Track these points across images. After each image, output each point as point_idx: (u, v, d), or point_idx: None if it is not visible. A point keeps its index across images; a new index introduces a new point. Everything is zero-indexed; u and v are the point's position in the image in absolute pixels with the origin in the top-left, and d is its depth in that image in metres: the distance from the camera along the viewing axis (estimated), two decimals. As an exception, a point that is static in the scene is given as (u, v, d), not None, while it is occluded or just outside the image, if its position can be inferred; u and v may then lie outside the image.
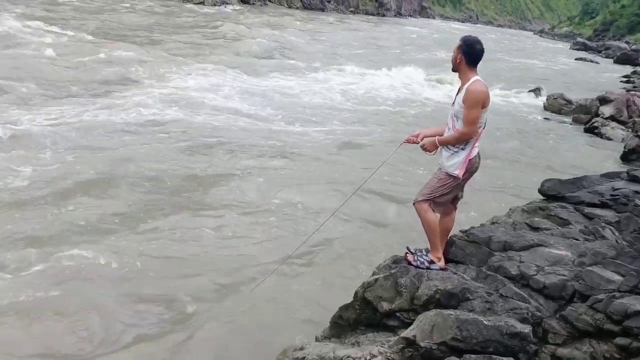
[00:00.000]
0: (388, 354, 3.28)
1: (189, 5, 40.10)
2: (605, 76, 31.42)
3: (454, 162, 3.79)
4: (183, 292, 4.91)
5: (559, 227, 4.53)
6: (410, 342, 3.24)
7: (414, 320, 3.59)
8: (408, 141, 4.07)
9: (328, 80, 18.03)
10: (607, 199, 4.76)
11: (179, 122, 10.38)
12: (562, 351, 3.37)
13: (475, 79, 3.71)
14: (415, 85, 19.74)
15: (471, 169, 3.80)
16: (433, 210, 3.88)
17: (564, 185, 5.21)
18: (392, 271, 3.82)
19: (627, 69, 36.18)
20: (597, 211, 4.67)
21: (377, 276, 3.85)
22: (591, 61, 43.91)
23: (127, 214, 6.23)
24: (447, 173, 3.80)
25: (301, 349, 3.77)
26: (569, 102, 18.79)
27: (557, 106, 18.55)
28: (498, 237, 4.10)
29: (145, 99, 11.61)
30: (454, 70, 3.85)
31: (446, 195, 3.85)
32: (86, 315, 4.44)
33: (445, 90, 18.84)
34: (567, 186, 5.20)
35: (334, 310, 4.18)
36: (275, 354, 4.13)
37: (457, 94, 3.82)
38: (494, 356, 2.90)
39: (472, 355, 2.92)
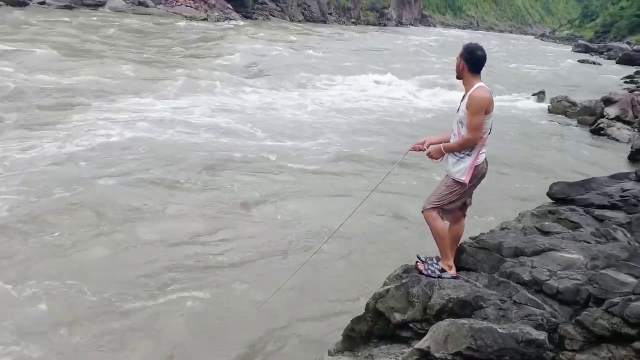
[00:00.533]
0: (402, 366, 3.24)
1: (185, 23, 38.11)
2: (608, 77, 31.31)
3: (460, 168, 3.78)
4: (190, 311, 4.89)
5: (570, 231, 4.49)
6: (424, 354, 3.20)
7: (427, 330, 3.54)
8: (414, 149, 4.06)
9: (310, 94, 17.19)
10: (616, 200, 4.71)
11: (154, 142, 9.67)
12: (579, 357, 3.31)
13: (479, 85, 3.71)
14: (407, 94, 19.29)
15: (478, 175, 3.78)
16: (442, 218, 3.86)
17: (573, 188, 5.17)
18: (403, 281, 3.78)
19: (630, 70, 36.01)
20: (608, 213, 4.62)
21: (388, 287, 3.81)
22: (593, 63, 43.86)
23: (129, 232, 6.22)
24: (454, 179, 3.79)
25: (314, 363, 3.73)
26: (574, 104, 18.75)
27: (561, 109, 18.51)
28: (509, 243, 4.06)
29: (114, 121, 10.77)
30: (458, 77, 3.86)
31: (454, 203, 3.83)
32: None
33: (438, 98, 18.61)
34: (576, 188, 5.16)
35: (345, 322, 4.15)
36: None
37: (461, 101, 3.82)
38: (510, 365, 2.85)
39: (489, 365, 2.87)
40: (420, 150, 4.01)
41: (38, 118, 10.73)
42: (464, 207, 3.98)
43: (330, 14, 64.01)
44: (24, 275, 5.12)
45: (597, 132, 15.66)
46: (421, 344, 3.23)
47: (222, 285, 5.34)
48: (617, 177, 5.45)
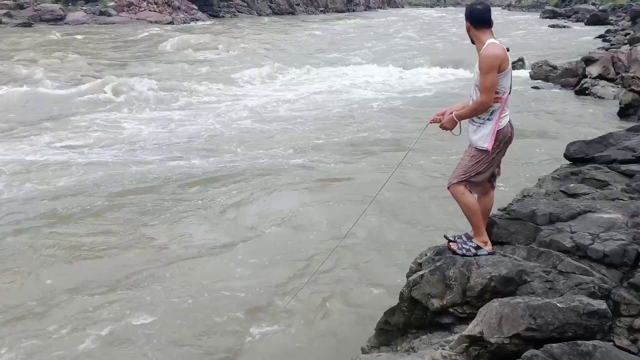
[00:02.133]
0: (453, 357, 2.95)
1: (142, 30, 33.37)
2: (581, 39, 31.30)
3: (481, 135, 3.52)
4: (217, 318, 4.58)
5: (599, 190, 4.24)
6: (475, 339, 2.91)
7: (470, 314, 3.28)
8: (434, 121, 3.78)
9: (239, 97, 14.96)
10: (641, 154, 4.48)
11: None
12: (639, 322, 3.07)
13: (490, 42, 3.47)
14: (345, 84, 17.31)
15: (503, 139, 3.52)
16: (470, 192, 3.57)
17: (591, 146, 4.93)
18: (437, 264, 3.49)
19: (600, 29, 36.12)
20: (634, 167, 4.38)
21: (422, 272, 3.52)
22: (564, 26, 43.96)
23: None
24: (477, 148, 3.53)
25: (352, 362, 3.43)
26: (555, 67, 18.63)
27: (543, 73, 18.39)
28: (542, 210, 3.79)
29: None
30: (472, 42, 3.63)
31: (482, 174, 3.55)
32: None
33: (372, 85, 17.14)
34: (594, 146, 4.92)
35: (375, 315, 3.86)
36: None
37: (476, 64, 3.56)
38: (579, 341, 2.57)
39: (554, 345, 2.58)
40: (440, 121, 3.72)
41: None
42: (492, 177, 3.71)
43: (298, 4, 63.28)
44: None
45: (582, 92, 15.62)
46: (471, 329, 2.94)
47: (244, 289, 5.00)
48: (635, 129, 5.22)
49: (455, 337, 3.16)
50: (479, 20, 3.51)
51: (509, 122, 3.56)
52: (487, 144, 3.50)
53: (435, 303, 3.41)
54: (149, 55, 23.72)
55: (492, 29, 3.61)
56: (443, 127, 3.71)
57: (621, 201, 3.89)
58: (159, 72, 18.80)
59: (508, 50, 3.58)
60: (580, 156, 4.89)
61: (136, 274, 5.19)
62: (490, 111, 3.49)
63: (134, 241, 5.89)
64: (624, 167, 4.39)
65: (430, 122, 3.81)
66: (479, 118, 3.53)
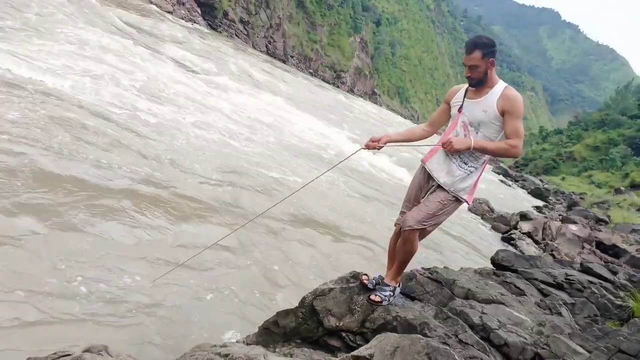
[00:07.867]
0: (332, 371, 2.76)
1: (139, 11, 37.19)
2: (522, 202, 33.55)
3: (467, 185, 3.19)
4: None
5: (514, 295, 4.29)
6: (361, 362, 2.74)
7: (359, 345, 3.12)
8: (368, 147, 3.29)
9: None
10: (562, 281, 4.62)
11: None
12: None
13: (505, 84, 3.09)
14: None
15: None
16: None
17: (518, 260, 5.07)
18: (351, 285, 3.34)
19: (539, 202, 38.96)
20: (552, 290, 4.50)
21: (332, 285, 3.35)
22: (509, 186, 47.16)
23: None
24: (455, 196, 3.22)
25: (224, 345, 3.14)
26: (492, 210, 19.79)
27: (480, 210, 19.44)
28: (463, 283, 3.79)
29: None
30: (476, 84, 3.08)
31: (438, 225, 3.35)
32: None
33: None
34: (521, 261, 5.06)
35: (253, 319, 3.61)
36: (186, 347, 3.43)
37: (467, 98, 3.16)
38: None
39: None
40: (375, 148, 3.25)
41: None
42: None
43: (292, 57, 64.91)
44: None
45: (508, 240, 16.45)
46: (362, 351, 2.77)
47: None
48: (562, 263, 5.44)
49: (340, 355, 2.98)
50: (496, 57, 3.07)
51: None
52: (469, 197, 3.25)
53: (332, 321, 3.24)
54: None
55: None
56: (448, 146, 3.05)
57: (534, 309, 3.95)
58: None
59: None
60: (505, 264, 5.00)
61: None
62: (482, 160, 3.17)
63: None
64: (543, 286, 4.51)
65: (363, 148, 3.33)
66: (467, 165, 3.15)
